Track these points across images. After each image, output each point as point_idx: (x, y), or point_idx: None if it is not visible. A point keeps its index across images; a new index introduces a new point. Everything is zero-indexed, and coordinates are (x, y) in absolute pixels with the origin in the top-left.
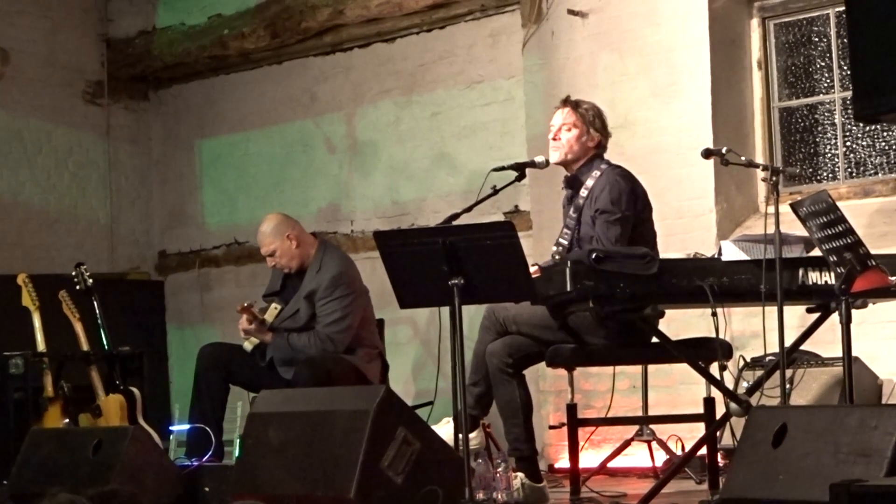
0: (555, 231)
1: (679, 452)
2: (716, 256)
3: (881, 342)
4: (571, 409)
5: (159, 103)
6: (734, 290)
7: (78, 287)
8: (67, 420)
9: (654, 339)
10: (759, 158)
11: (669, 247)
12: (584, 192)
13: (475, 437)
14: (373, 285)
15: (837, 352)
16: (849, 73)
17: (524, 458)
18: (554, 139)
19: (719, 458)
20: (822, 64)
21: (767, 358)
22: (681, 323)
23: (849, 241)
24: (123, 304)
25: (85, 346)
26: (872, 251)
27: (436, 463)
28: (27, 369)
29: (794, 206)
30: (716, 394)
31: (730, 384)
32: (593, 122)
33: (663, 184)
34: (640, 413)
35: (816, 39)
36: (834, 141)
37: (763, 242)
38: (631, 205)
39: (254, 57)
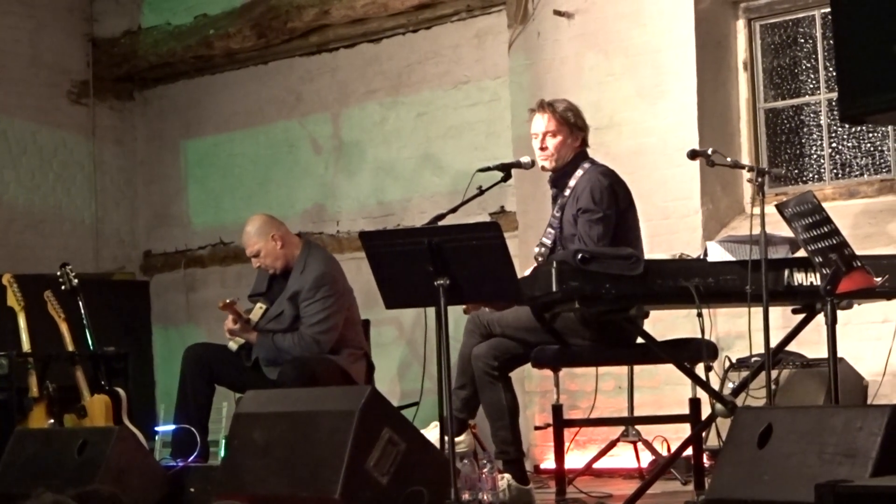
0: (541, 231)
1: (665, 453)
2: (701, 257)
3: (866, 343)
4: (557, 409)
5: (144, 103)
6: (720, 290)
7: (63, 287)
8: (52, 420)
9: (640, 340)
10: (745, 159)
11: (655, 247)
12: (567, 192)
13: (463, 440)
14: (358, 286)
15: (823, 352)
16: (834, 74)
17: (511, 461)
18: (542, 148)
19: (705, 459)
20: (808, 65)
21: (753, 359)
22: (666, 323)
23: (834, 241)
24: (108, 305)
25: (70, 347)
26: (857, 252)
27: (421, 463)
28: (12, 369)
29: (780, 207)
30: (701, 394)
31: (715, 385)
32: (575, 122)
33: (649, 185)
34: (625, 414)
35: (802, 41)
36: (819, 142)
37: (749, 243)
38: (612, 203)
39: (239, 57)
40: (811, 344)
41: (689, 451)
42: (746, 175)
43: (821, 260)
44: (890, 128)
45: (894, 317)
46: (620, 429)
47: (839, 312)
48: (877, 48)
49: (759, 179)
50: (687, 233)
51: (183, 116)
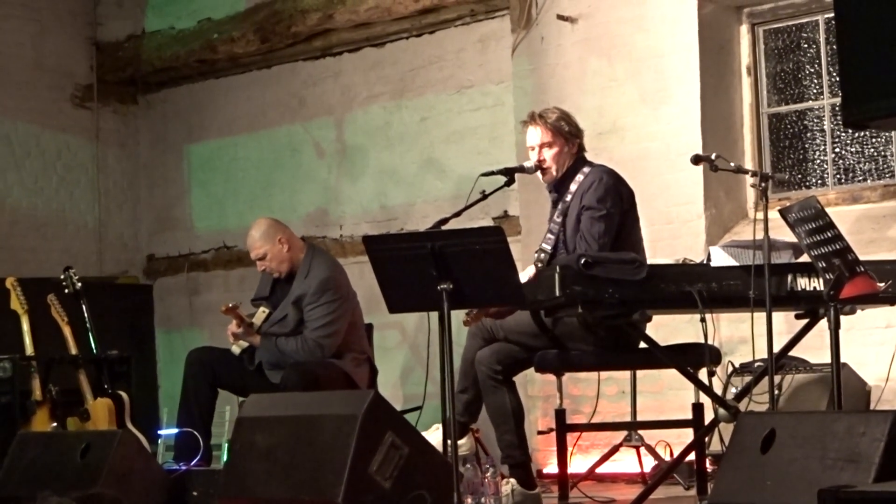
0: (543, 236)
1: (667, 458)
2: (704, 262)
3: (869, 348)
4: (560, 414)
5: (148, 107)
6: (723, 295)
7: (66, 291)
8: (55, 424)
9: (643, 345)
10: (748, 164)
11: (658, 252)
12: (568, 197)
13: (464, 444)
14: (361, 290)
15: (826, 358)
16: (838, 79)
17: (517, 465)
18: (540, 160)
19: (707, 464)
20: (811, 70)
21: (756, 364)
22: (669, 328)
23: (837, 247)
24: (112, 308)
25: (73, 350)
26: (861, 257)
27: (424, 468)
28: (15, 373)
29: (783, 212)
30: (704, 399)
31: (718, 390)
32: (569, 131)
33: (652, 189)
34: (628, 418)
35: (805, 46)
36: (823, 147)
37: (752, 248)
38: (617, 202)
39: (243, 61)
40: (814, 349)
41: (691, 456)
42: (750, 180)
43: (824, 265)
44: (893, 133)
45: None
46: (623, 433)
47: (842, 318)
48: (880, 54)
49: (763, 184)
50: (690, 238)
51: (186, 120)
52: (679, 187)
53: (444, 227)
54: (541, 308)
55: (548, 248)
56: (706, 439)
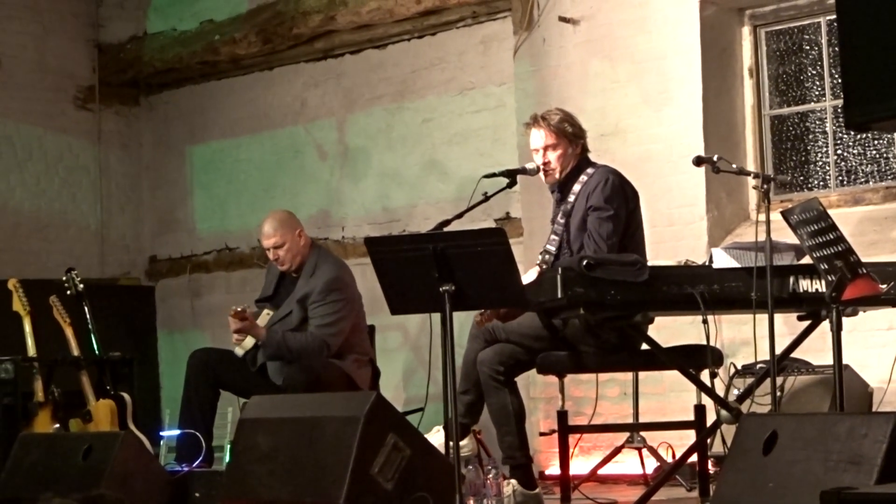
0: (546, 238)
1: (669, 460)
2: (707, 264)
3: (871, 350)
4: (562, 415)
5: (150, 109)
6: (725, 297)
7: (68, 292)
8: (57, 425)
9: (645, 347)
10: (750, 166)
11: (660, 254)
12: (571, 198)
13: (466, 445)
14: (363, 291)
15: (828, 359)
16: (839, 81)
17: (518, 466)
18: (544, 163)
19: (710, 466)
20: (814, 72)
21: (758, 365)
22: (671, 330)
23: (839, 248)
24: (114, 310)
25: (75, 352)
26: (863, 259)
27: (426, 469)
28: (17, 374)
29: (785, 214)
30: (706, 401)
31: (720, 391)
32: (572, 131)
33: (654, 191)
34: (630, 420)
35: (808, 48)
36: (825, 149)
37: (754, 250)
38: (623, 203)
39: (245, 63)
40: (816, 351)
41: (693, 458)
42: (752, 182)
43: (826, 267)
44: (895, 135)
45: None
46: (625, 435)
47: (844, 319)
48: (882, 56)
49: (765, 186)
50: (692, 239)
51: (188, 122)
52: (681, 189)
53: (446, 229)
54: (542, 309)
55: (552, 249)
56: (708, 441)
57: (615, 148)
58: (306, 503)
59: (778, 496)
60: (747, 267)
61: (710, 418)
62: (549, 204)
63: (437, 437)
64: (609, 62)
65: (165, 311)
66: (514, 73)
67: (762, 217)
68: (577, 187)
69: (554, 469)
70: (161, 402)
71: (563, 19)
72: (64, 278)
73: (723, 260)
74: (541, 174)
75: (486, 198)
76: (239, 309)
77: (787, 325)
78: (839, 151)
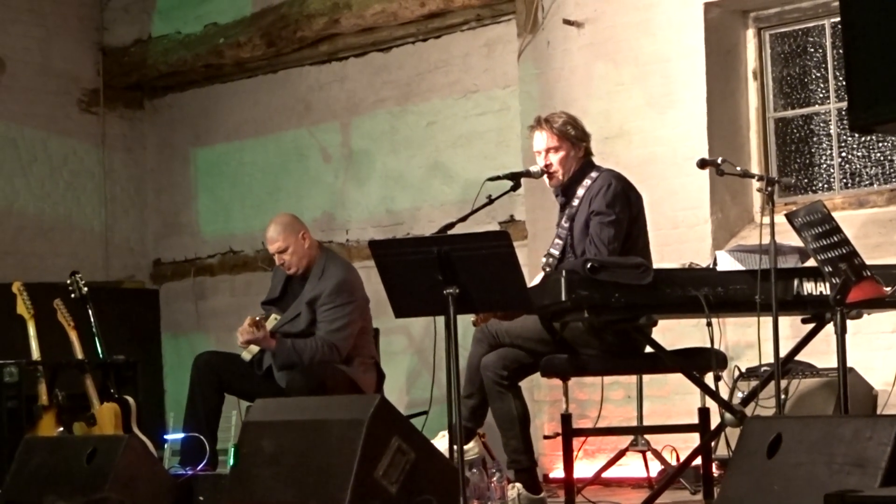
0: (550, 241)
1: (674, 463)
2: (711, 266)
3: (876, 352)
4: (566, 419)
5: (154, 112)
6: (729, 300)
7: (73, 295)
8: (62, 428)
9: (649, 349)
10: (755, 169)
11: (664, 257)
12: (575, 202)
13: (471, 449)
14: (368, 294)
15: (832, 362)
16: (844, 83)
17: (523, 470)
18: (546, 166)
19: (714, 469)
20: (818, 74)
21: (762, 368)
22: (675, 333)
23: (844, 251)
24: (118, 313)
25: (79, 355)
26: (867, 262)
27: (430, 472)
28: (21, 377)
29: (790, 217)
30: (710, 404)
31: (724, 394)
32: (575, 134)
33: (658, 194)
34: (634, 423)
35: (812, 50)
36: (829, 151)
37: (758, 253)
38: (625, 207)
39: (249, 66)
40: (820, 354)
41: (698, 461)
42: (756, 184)
43: (830, 269)
44: None
45: None
46: (629, 438)
47: (849, 322)
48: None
49: (769, 189)
50: (696, 242)
51: (193, 125)
52: (685, 192)
53: (450, 232)
54: (547, 312)
55: (556, 253)
56: (712, 444)
57: (619, 150)
58: None
59: (782, 499)
60: (751, 270)
61: (715, 421)
62: (553, 207)
63: (441, 443)
64: (613, 65)
65: (170, 314)
66: (519, 76)
67: (766, 220)
68: (580, 192)
69: (558, 472)
70: (165, 406)
71: (567, 22)
72: (68, 281)
73: (727, 262)
74: (545, 177)
75: (491, 201)
76: (257, 318)
77: (792, 327)
78: (843, 154)
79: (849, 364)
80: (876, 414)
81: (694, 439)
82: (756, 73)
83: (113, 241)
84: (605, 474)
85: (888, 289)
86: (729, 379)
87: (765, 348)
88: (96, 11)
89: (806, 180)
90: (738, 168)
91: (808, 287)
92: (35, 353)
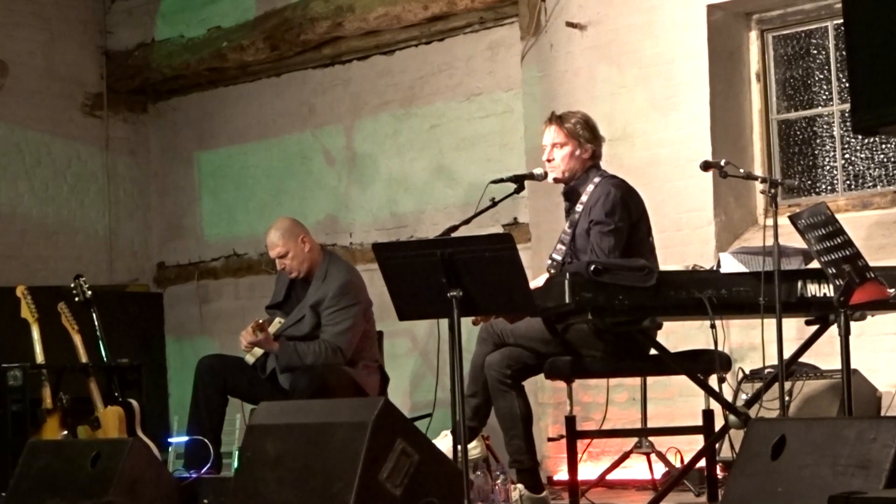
0: (553, 244)
1: (678, 465)
2: (714, 268)
3: (880, 354)
4: (570, 421)
5: (158, 115)
6: (733, 302)
7: (77, 299)
8: (66, 432)
9: (653, 352)
10: (758, 171)
11: (668, 259)
12: (579, 207)
13: (474, 448)
14: (371, 297)
15: (836, 364)
16: (847, 85)
17: (525, 470)
18: (549, 160)
19: (718, 471)
20: (821, 76)
21: (766, 370)
22: (679, 335)
23: (847, 253)
24: (122, 316)
25: (83, 358)
26: (871, 263)
27: (434, 475)
28: (26, 381)
29: (793, 219)
30: (714, 406)
31: (728, 396)
32: (583, 134)
33: (662, 196)
34: (638, 425)
35: (815, 52)
36: (832, 153)
37: (762, 255)
38: (625, 216)
39: (253, 69)
40: (824, 355)
41: (702, 463)
42: (759, 186)
43: (834, 271)
44: None
45: None
46: (634, 440)
47: (852, 324)
48: (889, 60)
49: (772, 191)
50: (700, 244)
51: (196, 128)
52: (689, 194)
53: (453, 235)
54: (551, 314)
55: (558, 258)
56: (717, 446)
57: (623, 153)
58: None
59: (786, 501)
60: (755, 271)
61: (719, 423)
62: (556, 210)
63: (444, 442)
64: (616, 67)
65: (174, 317)
66: (522, 79)
67: (770, 221)
68: (584, 198)
69: (562, 474)
70: (169, 409)
71: (570, 24)
72: (72, 285)
73: (731, 264)
74: (547, 171)
75: (494, 203)
76: (261, 321)
77: (796, 329)
78: (847, 156)
79: (853, 366)
80: (880, 416)
81: (698, 441)
82: (759, 75)
83: (117, 245)
84: (609, 476)
85: (892, 290)
86: (733, 381)
87: (769, 350)
88: (100, 15)
89: (809, 182)
90: (742, 170)
91: (812, 289)
92: (39, 357)
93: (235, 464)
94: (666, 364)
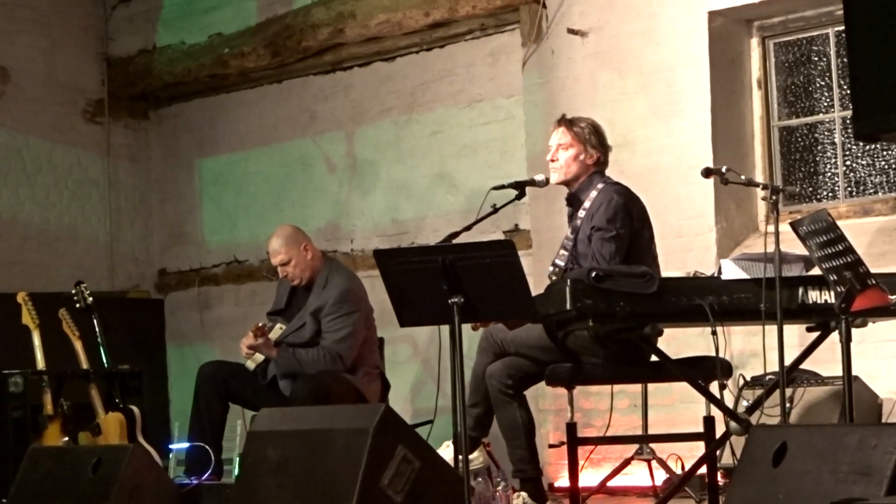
0: (555, 250)
1: (679, 471)
2: (716, 275)
3: (881, 361)
4: (571, 427)
5: (159, 122)
6: (734, 308)
7: (78, 305)
8: (67, 438)
9: (654, 358)
10: (759, 177)
11: (669, 265)
12: (581, 213)
13: (476, 458)
14: (372, 304)
15: (837, 370)
16: (848, 92)
17: (528, 479)
18: (552, 160)
19: (719, 477)
20: (822, 83)
21: (767, 377)
22: (680, 342)
23: (848, 259)
24: (123, 323)
25: (84, 365)
26: (872, 270)
27: (435, 482)
28: (27, 387)
29: (794, 225)
30: (716, 412)
31: (730, 403)
32: (589, 140)
33: (663, 203)
34: (639, 432)
35: (816, 59)
36: (834, 160)
37: (763, 261)
38: (626, 222)
39: (254, 76)
40: (826, 362)
41: (703, 470)
42: (761, 193)
43: (835, 278)
44: None
45: None
46: (635, 447)
47: (854, 330)
48: (890, 67)
49: (774, 197)
50: (701, 251)
51: (197, 135)
52: (690, 200)
53: (454, 241)
54: (552, 321)
55: (560, 264)
56: (718, 452)
57: (624, 159)
58: None
59: None
60: (756, 278)
61: (720, 430)
62: (557, 216)
63: (446, 453)
64: (618, 74)
65: (175, 323)
66: (523, 85)
67: (771, 228)
68: (587, 204)
69: (563, 481)
70: (170, 415)
71: (571, 31)
72: (73, 291)
73: (732, 271)
74: (550, 171)
75: (495, 210)
76: (260, 325)
77: (797, 336)
78: (848, 162)
79: (854, 372)
80: (881, 422)
81: (699, 448)
82: (760, 82)
83: (118, 251)
84: (610, 483)
85: (893, 297)
86: (734, 387)
87: (770, 357)
88: (101, 22)
89: (811, 189)
90: (743, 177)
91: (813, 295)
92: (40, 363)
93: (236, 470)
94: (667, 370)
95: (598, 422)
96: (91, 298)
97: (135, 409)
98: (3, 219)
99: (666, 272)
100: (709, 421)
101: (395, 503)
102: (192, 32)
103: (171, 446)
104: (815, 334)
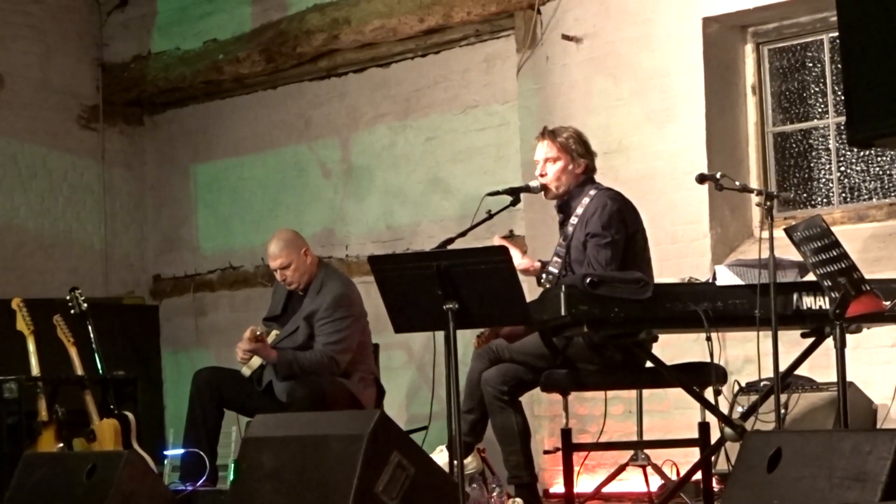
0: (549, 255)
1: (674, 477)
2: (710, 281)
3: (875, 367)
4: (566, 433)
5: (154, 128)
6: (729, 314)
7: (72, 311)
8: (61, 444)
9: (649, 364)
10: (754, 183)
11: (664, 271)
12: (574, 220)
13: (470, 463)
14: (367, 310)
15: (832, 376)
16: (843, 98)
17: (524, 485)
18: (542, 175)
19: (714, 483)
20: (816, 89)
21: (762, 383)
22: (675, 348)
23: (843, 265)
24: (118, 329)
25: (79, 371)
26: (867, 276)
27: (430, 488)
28: (21, 393)
29: (789, 231)
30: (710, 419)
31: (724, 409)
32: (576, 149)
33: (658, 208)
34: (634, 438)
35: (810, 65)
36: (828, 166)
37: (757, 267)
38: (621, 228)
39: (249, 82)
40: (820, 368)
41: (698, 476)
42: (755, 199)
43: (830, 284)
44: None
45: None
46: (630, 453)
47: (848, 336)
48: (884, 73)
49: (768, 203)
50: (695, 257)
51: (192, 141)
52: (684, 206)
53: (449, 247)
54: (547, 327)
55: (554, 271)
56: (712, 458)
57: (618, 165)
58: None
59: None
60: (751, 284)
61: (715, 436)
62: (552, 222)
63: (440, 457)
64: (612, 80)
65: (169, 329)
66: (518, 91)
67: (765, 234)
68: (579, 210)
69: (558, 487)
70: (165, 422)
71: (566, 37)
72: (68, 297)
73: (726, 277)
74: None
75: (490, 216)
76: (259, 332)
77: (791, 342)
78: (842, 168)
79: (848, 378)
80: (876, 428)
81: (694, 454)
82: (755, 88)
83: (113, 257)
84: (605, 489)
85: (887, 303)
86: (729, 393)
87: (764, 363)
88: (96, 28)
89: (805, 195)
90: (737, 183)
91: (808, 301)
92: (35, 369)
93: (231, 476)
94: (662, 377)
95: (592, 427)
96: (86, 304)
97: (129, 415)
98: None
99: (660, 278)
100: (704, 427)
101: None
102: (187, 38)
103: (165, 452)
104: (810, 340)
